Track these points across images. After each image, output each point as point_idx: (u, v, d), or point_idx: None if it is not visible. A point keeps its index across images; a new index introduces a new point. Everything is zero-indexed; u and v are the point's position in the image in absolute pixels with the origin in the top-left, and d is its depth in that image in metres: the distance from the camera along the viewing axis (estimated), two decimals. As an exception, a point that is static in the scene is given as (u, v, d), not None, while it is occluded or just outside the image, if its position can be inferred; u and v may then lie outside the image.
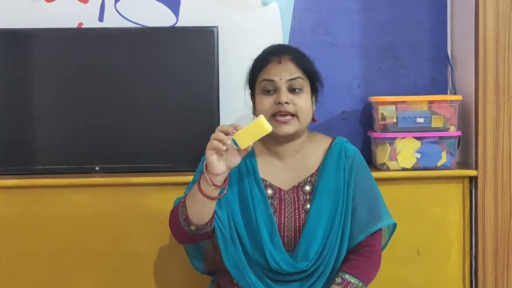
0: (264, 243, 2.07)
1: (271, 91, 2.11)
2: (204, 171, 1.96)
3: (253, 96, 2.21)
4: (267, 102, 2.10)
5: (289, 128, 2.09)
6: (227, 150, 1.94)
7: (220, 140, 1.92)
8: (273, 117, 2.09)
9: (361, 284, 2.09)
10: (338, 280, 2.08)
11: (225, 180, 1.99)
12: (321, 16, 2.82)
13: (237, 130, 1.93)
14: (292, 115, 2.09)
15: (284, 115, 2.09)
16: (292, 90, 2.11)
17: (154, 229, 2.57)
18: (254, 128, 1.93)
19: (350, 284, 2.07)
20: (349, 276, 2.08)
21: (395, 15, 2.83)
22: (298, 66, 2.14)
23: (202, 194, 1.97)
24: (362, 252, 2.13)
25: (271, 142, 2.15)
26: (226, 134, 1.93)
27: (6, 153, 2.68)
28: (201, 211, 2.01)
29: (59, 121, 2.69)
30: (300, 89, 2.12)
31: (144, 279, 2.60)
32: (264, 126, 1.92)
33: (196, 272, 2.30)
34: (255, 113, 2.17)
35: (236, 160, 1.97)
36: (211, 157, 1.94)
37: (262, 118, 1.93)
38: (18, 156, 2.68)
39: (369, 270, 2.14)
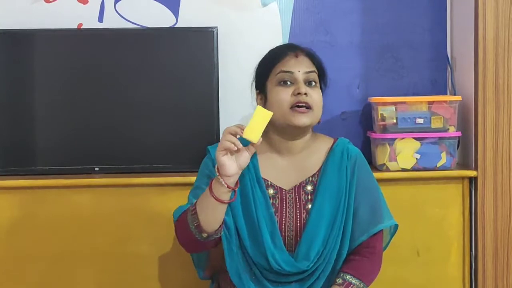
0: (265, 243, 2.07)
1: (288, 83, 2.11)
2: (217, 174, 1.97)
3: (260, 94, 2.19)
4: (285, 93, 2.10)
5: (306, 119, 2.09)
6: (238, 150, 1.95)
7: (231, 142, 1.93)
8: (291, 109, 2.09)
9: (362, 285, 2.09)
10: (339, 280, 2.08)
11: (236, 183, 1.99)
12: (320, 16, 2.82)
13: (243, 129, 1.95)
14: (309, 107, 2.10)
15: (302, 107, 2.09)
16: (308, 83, 2.12)
17: (154, 230, 2.57)
18: (258, 118, 1.96)
19: (351, 285, 2.07)
20: (350, 277, 2.08)
21: (394, 16, 2.83)
22: (313, 62, 2.16)
23: (215, 199, 1.96)
24: (363, 253, 2.13)
25: (279, 137, 2.15)
26: (234, 135, 1.95)
27: (6, 153, 2.68)
28: (213, 216, 2.00)
29: (59, 121, 2.69)
30: (316, 83, 2.14)
31: (144, 280, 2.60)
32: (266, 112, 1.96)
33: (196, 273, 2.31)
34: (267, 107, 2.16)
35: (246, 159, 1.98)
36: (223, 158, 1.94)
37: (260, 107, 1.98)
38: (18, 157, 2.68)
39: (370, 271, 2.14)
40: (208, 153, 2.17)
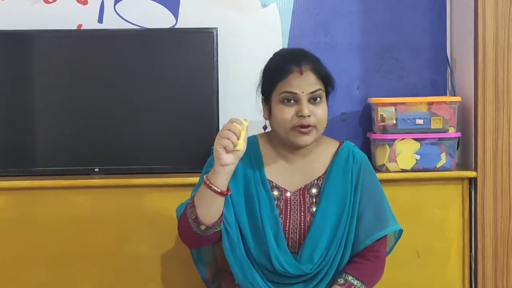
0: (269, 245, 2.07)
1: (292, 101, 2.09)
2: (215, 164, 1.99)
3: (265, 102, 2.17)
4: (288, 113, 2.08)
5: (309, 138, 2.09)
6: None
7: (230, 140, 1.96)
8: (293, 129, 2.08)
9: (363, 287, 2.09)
10: (341, 281, 2.08)
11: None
12: (320, 17, 2.82)
13: (242, 125, 1.97)
14: (313, 126, 2.09)
15: (306, 127, 2.08)
16: (312, 100, 2.10)
17: (154, 231, 2.57)
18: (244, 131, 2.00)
19: (353, 286, 2.08)
20: (352, 278, 2.09)
21: (394, 17, 2.83)
22: (318, 77, 2.11)
23: (211, 190, 1.98)
24: (367, 257, 2.13)
25: (284, 148, 2.15)
26: (235, 133, 1.96)
27: (5, 154, 2.68)
28: (209, 208, 2.01)
29: (59, 122, 2.69)
30: (321, 98, 2.11)
31: (144, 281, 2.59)
32: (243, 123, 2.00)
33: (196, 274, 2.30)
34: (271, 119, 2.14)
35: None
36: (222, 155, 1.97)
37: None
38: (17, 158, 2.68)
39: (373, 274, 2.14)
40: (211, 153, 2.18)
